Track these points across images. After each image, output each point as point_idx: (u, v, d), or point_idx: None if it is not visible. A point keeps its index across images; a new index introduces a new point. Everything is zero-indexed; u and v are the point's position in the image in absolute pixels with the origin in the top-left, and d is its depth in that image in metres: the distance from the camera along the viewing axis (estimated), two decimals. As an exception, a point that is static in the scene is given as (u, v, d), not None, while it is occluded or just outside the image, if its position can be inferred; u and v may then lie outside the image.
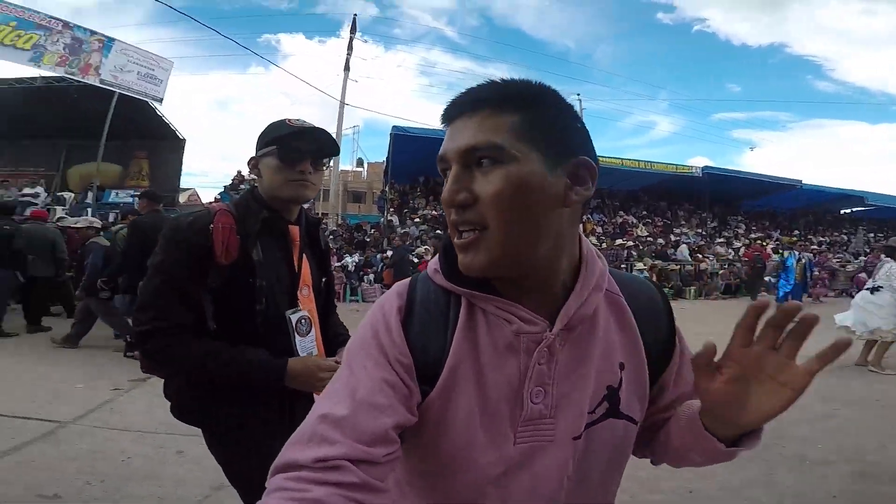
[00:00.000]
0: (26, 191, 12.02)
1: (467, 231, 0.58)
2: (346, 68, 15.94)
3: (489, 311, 0.63)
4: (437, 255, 0.68)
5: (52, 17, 12.11)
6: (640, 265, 12.62)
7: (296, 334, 1.27)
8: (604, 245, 14.27)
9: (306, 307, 1.33)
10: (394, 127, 13.28)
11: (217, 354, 1.16)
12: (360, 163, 25.29)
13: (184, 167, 15.24)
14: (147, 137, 14.43)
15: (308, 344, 1.31)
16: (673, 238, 15.97)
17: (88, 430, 3.21)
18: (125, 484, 2.51)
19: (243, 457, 1.21)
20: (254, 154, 1.30)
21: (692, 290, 13.06)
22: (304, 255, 1.34)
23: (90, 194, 12.97)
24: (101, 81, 12.10)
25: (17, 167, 14.88)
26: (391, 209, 15.35)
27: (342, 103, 15.73)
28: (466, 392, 0.61)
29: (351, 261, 11.30)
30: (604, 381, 0.64)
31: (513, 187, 0.56)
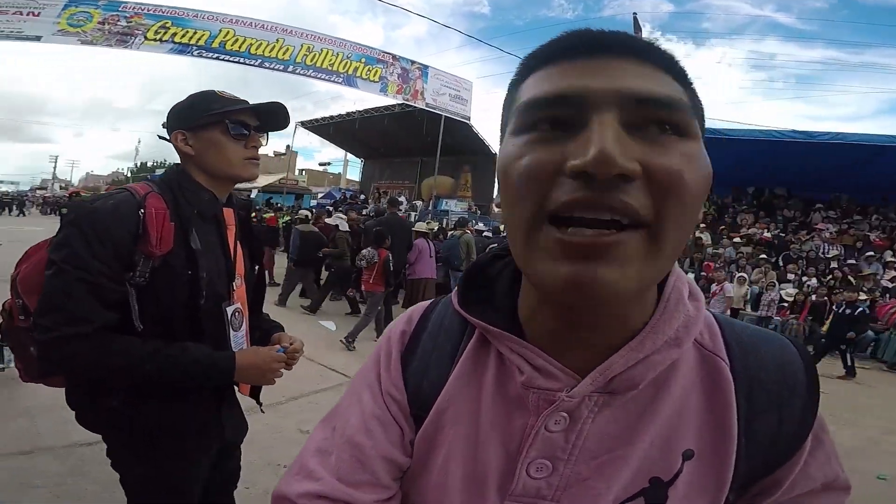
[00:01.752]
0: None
1: (605, 222, 0.37)
2: None
3: (502, 350, 0.50)
4: (463, 275, 0.58)
5: (384, 52, 15.55)
6: None
7: (230, 328, 1.16)
8: None
9: (239, 299, 1.21)
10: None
11: (154, 355, 1.02)
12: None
13: (497, 179, 17.73)
14: (470, 153, 17.12)
15: (240, 339, 1.20)
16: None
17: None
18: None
19: (168, 467, 1.13)
20: (179, 128, 1.16)
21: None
22: (236, 243, 1.22)
23: (430, 203, 16.26)
24: (427, 105, 14.96)
25: (393, 180, 20.12)
26: (702, 225, 13.31)
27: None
28: (452, 443, 0.51)
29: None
30: (648, 471, 0.46)
31: (701, 176, 0.40)
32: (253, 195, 23.98)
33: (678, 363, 0.47)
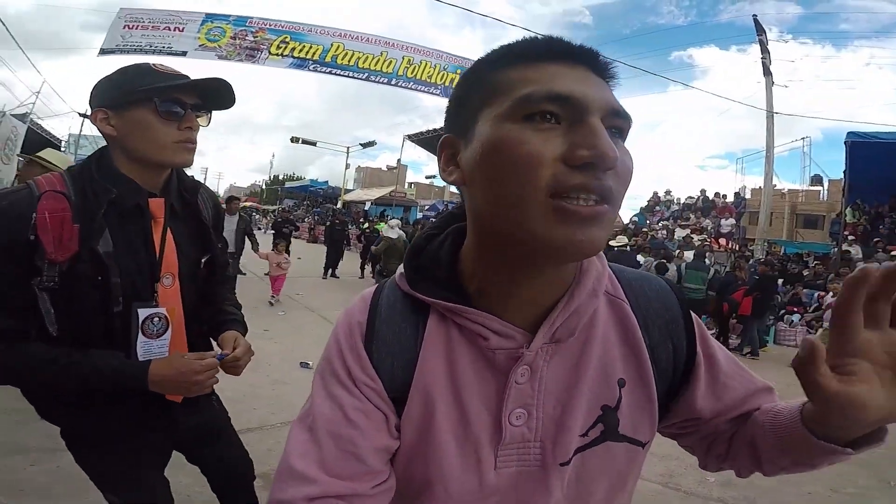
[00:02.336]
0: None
1: (592, 201, 0.46)
2: (766, 73, 13.50)
3: (459, 322, 0.56)
4: (405, 256, 0.62)
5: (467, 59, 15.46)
6: None
7: (140, 333, 1.04)
8: None
9: (167, 302, 1.07)
10: (849, 133, 10.06)
11: (53, 363, 0.96)
12: (815, 181, 20.46)
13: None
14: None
15: (157, 347, 1.06)
16: None
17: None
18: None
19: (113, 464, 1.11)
20: (101, 106, 1.03)
21: None
22: (167, 236, 1.07)
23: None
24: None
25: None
26: (851, 236, 11.56)
27: (769, 112, 13.30)
28: (439, 415, 0.56)
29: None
30: (599, 401, 0.58)
31: (631, 170, 0.51)
32: (367, 207, 25.66)
33: (597, 310, 0.57)
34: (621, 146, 0.50)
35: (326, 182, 33.10)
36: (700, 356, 0.62)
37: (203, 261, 1.17)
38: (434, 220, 0.71)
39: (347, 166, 29.62)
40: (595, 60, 0.51)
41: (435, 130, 16.69)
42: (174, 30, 12.92)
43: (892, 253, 10.33)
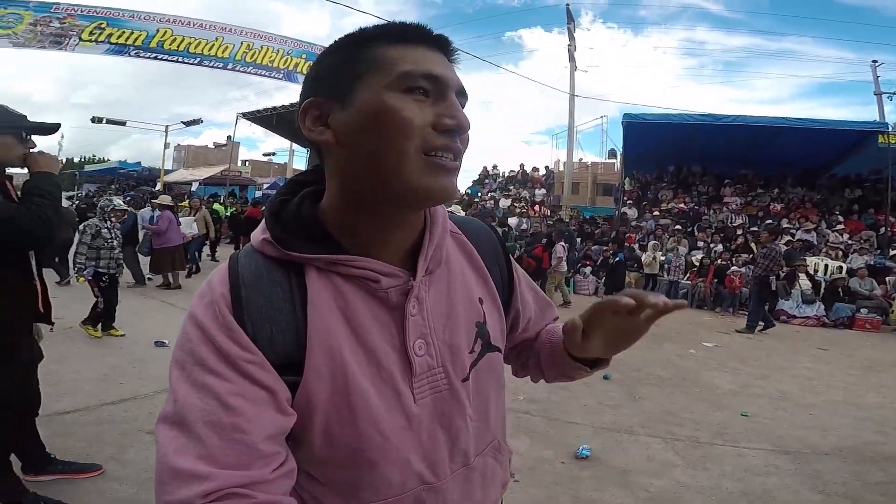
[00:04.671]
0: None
1: (450, 158, 0.57)
2: (571, 59, 15.67)
3: (344, 272, 0.58)
4: (262, 224, 0.62)
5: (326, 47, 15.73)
6: None
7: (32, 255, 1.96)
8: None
9: None
10: (624, 115, 12.40)
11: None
12: (611, 154, 24.31)
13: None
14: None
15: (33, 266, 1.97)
16: None
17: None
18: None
19: None
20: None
21: None
22: None
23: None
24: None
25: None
26: (629, 201, 14.32)
27: (571, 95, 15.51)
28: (352, 362, 0.57)
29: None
30: (472, 319, 0.66)
31: (469, 137, 0.62)
32: (194, 188, 23.15)
33: (448, 243, 0.66)
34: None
35: (139, 163, 29.16)
36: (515, 273, 0.77)
37: None
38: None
39: (167, 145, 26.52)
40: (448, 47, 0.61)
41: (275, 108, 15.78)
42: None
43: (655, 213, 13.14)
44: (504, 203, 16.05)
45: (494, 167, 19.85)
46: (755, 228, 11.61)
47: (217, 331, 0.53)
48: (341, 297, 0.58)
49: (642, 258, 9.84)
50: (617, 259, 6.96)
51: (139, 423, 2.94)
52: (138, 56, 13.18)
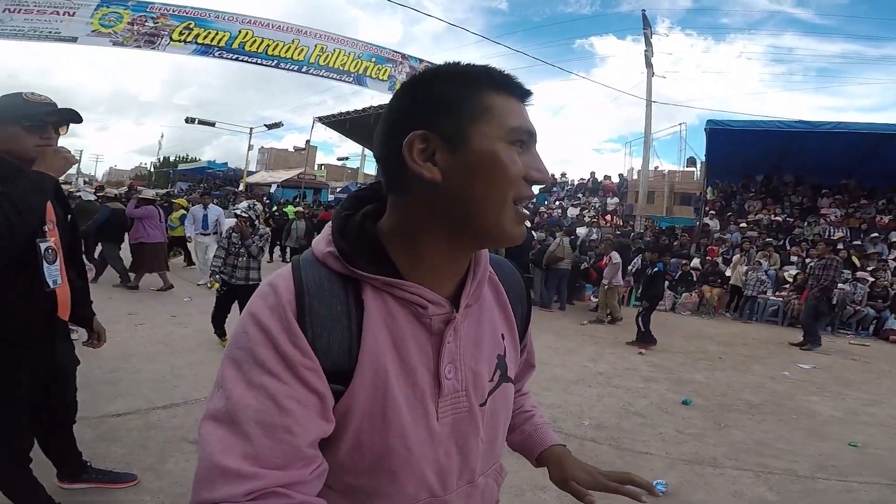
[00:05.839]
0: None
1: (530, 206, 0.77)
2: (648, 65, 14.95)
3: (397, 295, 0.62)
4: (326, 236, 0.64)
5: (394, 51, 15.84)
6: None
7: (43, 262, 1.62)
8: None
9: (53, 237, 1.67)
10: (708, 121, 11.68)
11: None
12: (690, 162, 23.01)
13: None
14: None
15: (54, 272, 1.66)
16: None
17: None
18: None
19: None
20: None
21: None
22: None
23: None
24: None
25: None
26: (711, 212, 13.44)
27: (648, 101, 14.82)
28: (393, 378, 0.61)
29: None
30: (495, 351, 0.71)
31: None
32: (273, 189, 24.53)
33: None
34: None
35: (226, 164, 31.24)
36: (531, 318, 0.83)
37: (68, 216, 1.82)
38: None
39: (251, 147, 28.21)
40: (529, 97, 0.64)
41: (348, 113, 16.40)
42: (63, 14, 11.92)
43: (741, 225, 12.23)
44: (572, 212, 15.61)
45: (563, 175, 19.40)
46: (858, 242, 10.50)
47: (281, 334, 0.56)
48: (391, 317, 0.61)
49: (615, 258, 8.27)
50: (655, 269, 6.30)
51: (184, 431, 2.92)
52: (221, 57, 13.77)
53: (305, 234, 10.98)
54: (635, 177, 18.76)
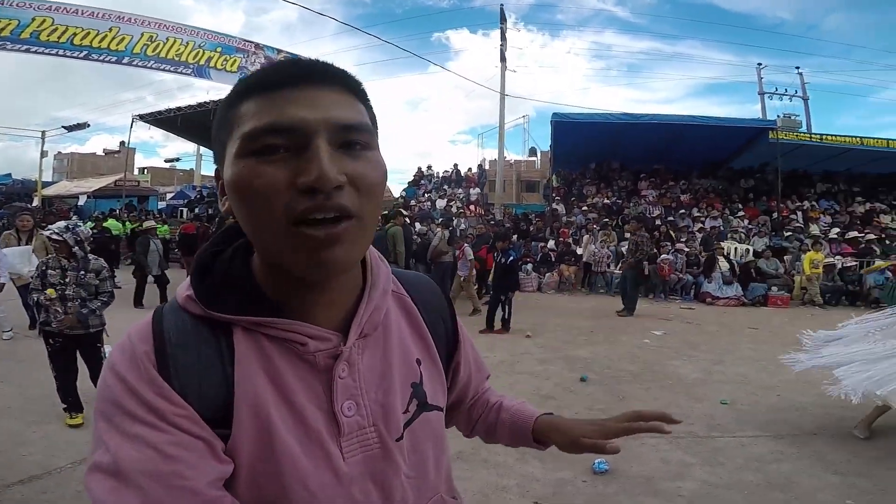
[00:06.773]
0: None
1: (331, 219, 0.49)
2: (502, 59, 16.01)
3: (271, 334, 0.56)
4: (188, 279, 0.59)
5: (246, 40, 14.52)
6: (879, 262, 9.73)
7: None
8: (833, 235, 11.55)
9: None
10: (554, 114, 13.12)
11: None
12: (532, 152, 25.18)
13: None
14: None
15: None
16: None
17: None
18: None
19: None
20: None
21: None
22: None
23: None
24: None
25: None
26: (557, 198, 14.89)
27: (502, 95, 15.84)
28: (277, 421, 0.55)
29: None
30: (408, 380, 0.65)
31: (383, 177, 0.54)
32: (81, 202, 20.25)
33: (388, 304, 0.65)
34: (363, 158, 0.52)
35: (9, 175, 24.87)
36: (460, 328, 0.78)
37: None
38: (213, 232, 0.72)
39: (45, 154, 23.24)
40: (324, 77, 0.52)
41: (180, 109, 14.14)
42: None
43: (583, 208, 13.75)
44: (440, 203, 15.94)
45: (429, 167, 19.66)
46: (671, 218, 12.58)
47: (143, 386, 0.51)
48: (266, 358, 0.56)
49: (469, 254, 8.45)
50: (510, 259, 6.39)
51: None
52: (4, 48, 11.40)
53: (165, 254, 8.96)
54: (487, 167, 19.86)
